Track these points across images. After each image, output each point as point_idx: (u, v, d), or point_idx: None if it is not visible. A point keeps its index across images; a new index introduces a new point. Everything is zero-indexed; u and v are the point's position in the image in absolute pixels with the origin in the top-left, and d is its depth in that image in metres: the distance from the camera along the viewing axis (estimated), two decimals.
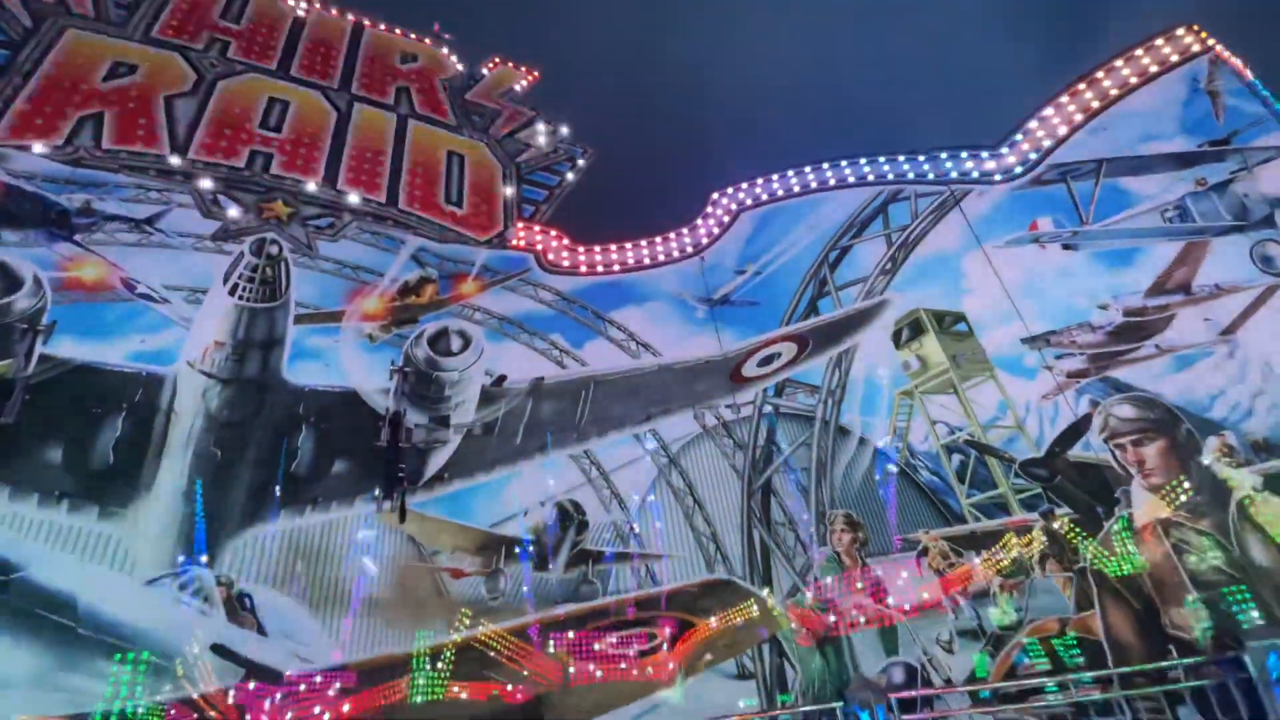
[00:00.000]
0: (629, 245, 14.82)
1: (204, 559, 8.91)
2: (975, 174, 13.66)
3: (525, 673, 9.26)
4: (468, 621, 9.48)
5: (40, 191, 10.56)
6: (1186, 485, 9.60)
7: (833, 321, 12.99)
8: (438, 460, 11.20)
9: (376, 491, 10.33)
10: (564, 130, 18.52)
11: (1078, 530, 10.07)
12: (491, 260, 14.14)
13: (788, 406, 12.42)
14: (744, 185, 15.52)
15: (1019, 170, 13.26)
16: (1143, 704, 8.07)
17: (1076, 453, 10.71)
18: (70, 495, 8.66)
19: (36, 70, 11.85)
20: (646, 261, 14.64)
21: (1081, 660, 9.20)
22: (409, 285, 13.08)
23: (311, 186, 13.37)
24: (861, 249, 13.85)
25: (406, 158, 15.11)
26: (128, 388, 9.62)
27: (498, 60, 19.05)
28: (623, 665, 9.70)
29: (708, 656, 10.03)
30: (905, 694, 9.08)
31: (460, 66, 18.36)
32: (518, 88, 18.88)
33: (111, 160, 11.57)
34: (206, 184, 12.11)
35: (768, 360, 12.93)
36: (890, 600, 10.21)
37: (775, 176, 15.36)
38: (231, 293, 11.00)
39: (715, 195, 15.62)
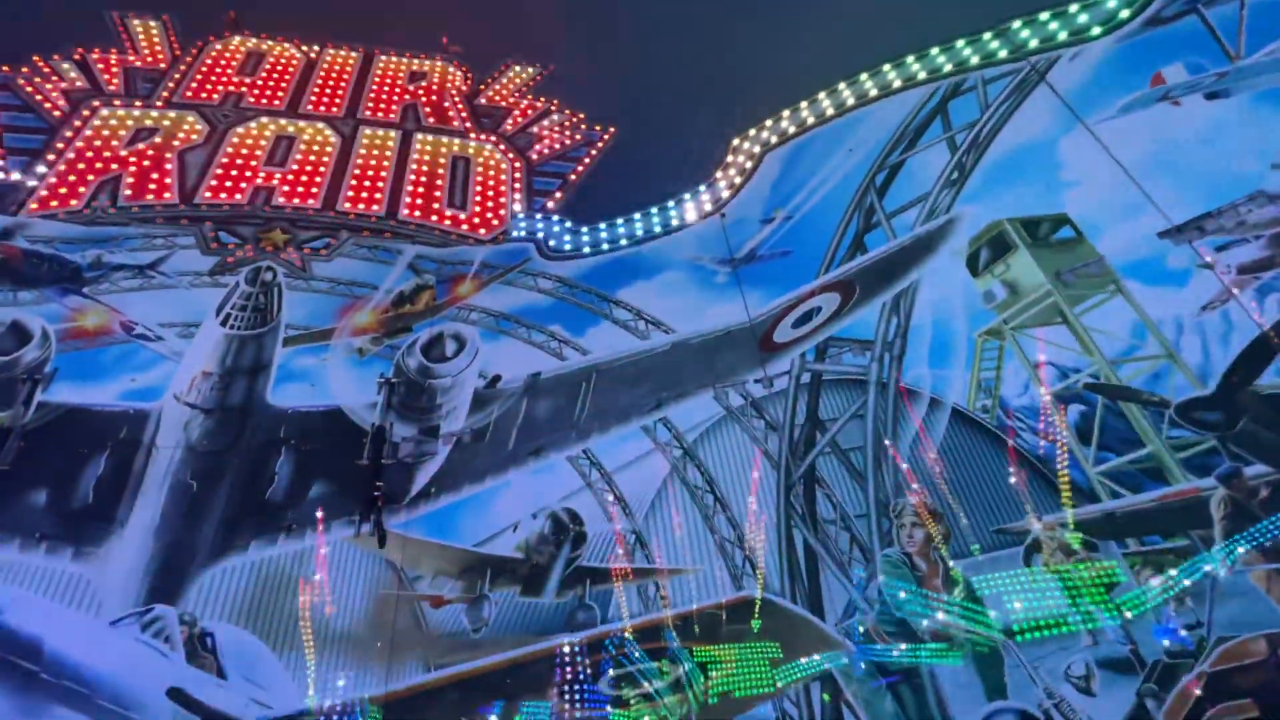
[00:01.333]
0: (637, 216, 13.06)
1: None
2: (1062, 35, 10.23)
3: None
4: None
5: (56, 253, 11.21)
6: None
7: (885, 256, 10.23)
8: (425, 475, 10.12)
9: (355, 514, 9.41)
10: (580, 116, 17.41)
11: None
12: (492, 256, 13.10)
13: (833, 372, 9.82)
14: (767, 123, 13.16)
15: (1125, 14, 9.68)
16: None
17: (1269, 381, 7.10)
18: (49, 537, 8.65)
19: (68, 147, 12.88)
20: (658, 230, 12.77)
21: None
22: (404, 295, 12.37)
23: (309, 211, 13.27)
24: (917, 162, 10.90)
25: (408, 170, 14.70)
26: (113, 426, 9.64)
27: (510, 60, 18.47)
28: (629, 709, 7.75)
29: (736, 698, 7.75)
30: None
31: (471, 75, 17.98)
32: (532, 83, 18.12)
33: (123, 215, 12.16)
34: (207, 224, 12.35)
35: (805, 318, 10.44)
36: (991, 617, 7.28)
37: (804, 103, 12.84)
38: (224, 323, 10.91)
39: (735, 141, 13.40)
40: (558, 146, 16.43)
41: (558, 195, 15.35)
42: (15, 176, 12.17)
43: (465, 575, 9.14)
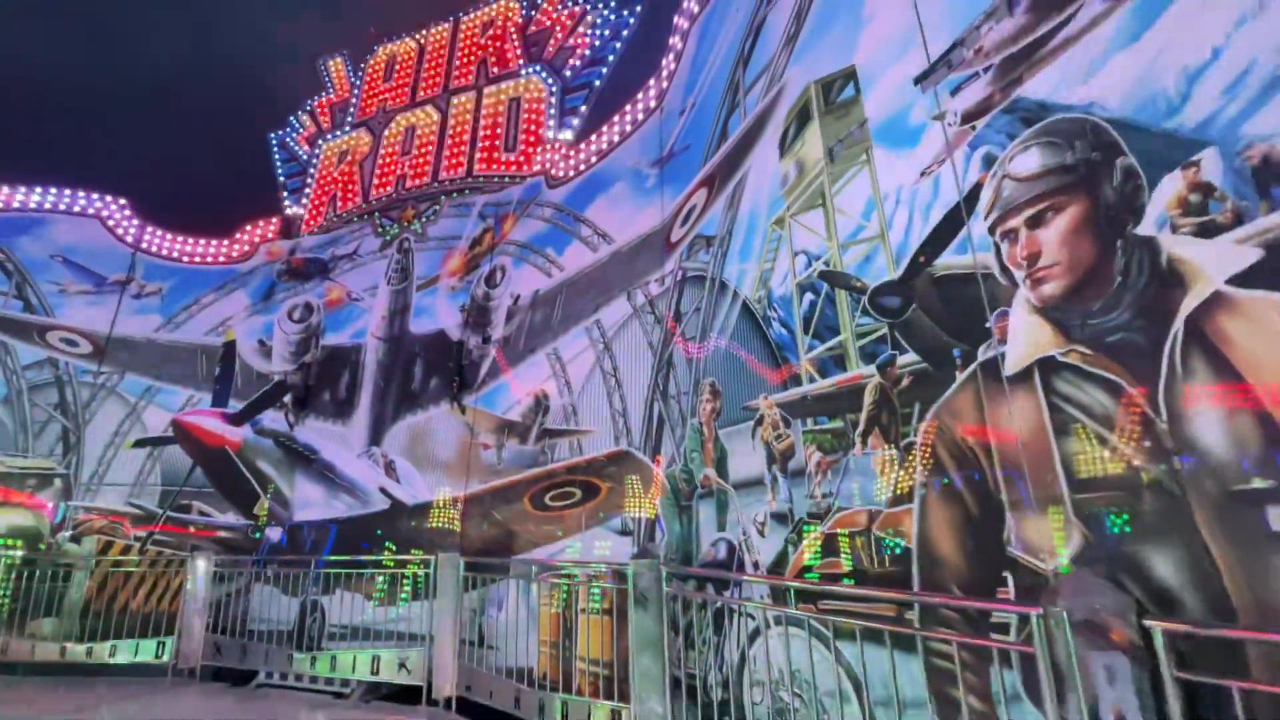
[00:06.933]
0: (604, 128, 14.59)
1: None
2: None
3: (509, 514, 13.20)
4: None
5: (316, 255, 19.43)
6: (1102, 282, 5.19)
7: (731, 145, 10.40)
8: (484, 368, 15.50)
9: (448, 396, 15.56)
10: (611, 5, 18.09)
11: (915, 384, 6.67)
12: (523, 193, 16.65)
13: (693, 268, 11.05)
14: None
15: None
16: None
17: (948, 259, 6.58)
18: (332, 415, 17.12)
19: (311, 180, 20.92)
20: (617, 139, 14.21)
21: (890, 562, 6.78)
22: (475, 240, 17.20)
23: (422, 187, 18.78)
24: (775, 18, 9.97)
25: (481, 127, 18.67)
26: (348, 355, 17.54)
27: None
28: (555, 516, 12.36)
29: (603, 514, 11.49)
30: (688, 569, 8.82)
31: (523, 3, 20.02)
32: None
33: (339, 221, 19.74)
34: (375, 214, 19.08)
35: (688, 216, 11.52)
36: (730, 474, 9.17)
37: None
38: (388, 283, 17.75)
39: (676, 18, 13.22)
40: (587, 53, 17.93)
41: (583, 110, 17.37)
42: (296, 210, 20.78)
43: (496, 431, 14.47)
